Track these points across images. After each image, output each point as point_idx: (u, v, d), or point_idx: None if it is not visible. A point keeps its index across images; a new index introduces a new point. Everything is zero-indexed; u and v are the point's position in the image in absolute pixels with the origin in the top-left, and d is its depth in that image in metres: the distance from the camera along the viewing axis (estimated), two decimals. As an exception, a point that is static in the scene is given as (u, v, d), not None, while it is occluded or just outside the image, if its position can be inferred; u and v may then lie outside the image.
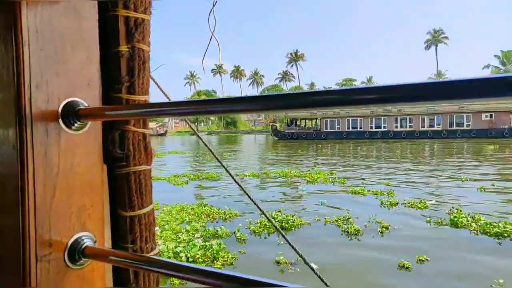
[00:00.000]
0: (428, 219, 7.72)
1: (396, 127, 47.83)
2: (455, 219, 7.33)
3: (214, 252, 5.43)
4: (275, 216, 7.86)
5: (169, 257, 5.06)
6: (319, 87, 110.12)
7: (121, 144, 0.97)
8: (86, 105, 0.82)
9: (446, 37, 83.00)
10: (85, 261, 0.80)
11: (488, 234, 6.59)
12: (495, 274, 4.80)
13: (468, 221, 7.24)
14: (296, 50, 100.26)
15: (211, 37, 1.88)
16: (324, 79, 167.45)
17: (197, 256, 5.16)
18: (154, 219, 1.03)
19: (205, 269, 0.77)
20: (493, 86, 0.40)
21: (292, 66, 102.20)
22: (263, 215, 2.92)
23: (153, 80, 1.58)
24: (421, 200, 9.21)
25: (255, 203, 2.95)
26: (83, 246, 0.79)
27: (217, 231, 6.79)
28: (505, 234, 6.45)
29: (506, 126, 40.85)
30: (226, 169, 2.97)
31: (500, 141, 35.07)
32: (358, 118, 50.29)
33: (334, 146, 37.62)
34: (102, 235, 0.86)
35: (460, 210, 7.97)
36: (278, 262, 5.47)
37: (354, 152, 29.73)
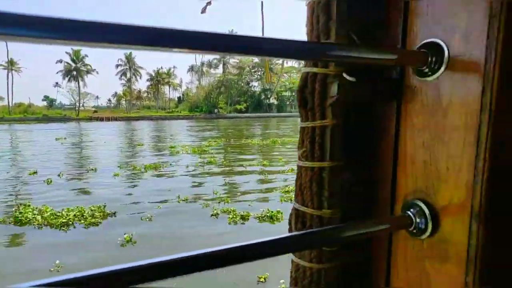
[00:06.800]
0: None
1: None
2: (20, 215, 6.86)
3: None
4: None
5: None
6: None
7: None
8: None
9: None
10: None
11: (54, 225, 6.64)
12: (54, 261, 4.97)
13: (34, 214, 6.98)
14: None
15: None
16: None
17: None
18: None
19: None
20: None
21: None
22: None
23: None
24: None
25: None
26: None
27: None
28: (70, 222, 6.78)
29: None
30: None
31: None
32: None
33: None
34: None
35: (29, 205, 7.57)
36: None
37: None
